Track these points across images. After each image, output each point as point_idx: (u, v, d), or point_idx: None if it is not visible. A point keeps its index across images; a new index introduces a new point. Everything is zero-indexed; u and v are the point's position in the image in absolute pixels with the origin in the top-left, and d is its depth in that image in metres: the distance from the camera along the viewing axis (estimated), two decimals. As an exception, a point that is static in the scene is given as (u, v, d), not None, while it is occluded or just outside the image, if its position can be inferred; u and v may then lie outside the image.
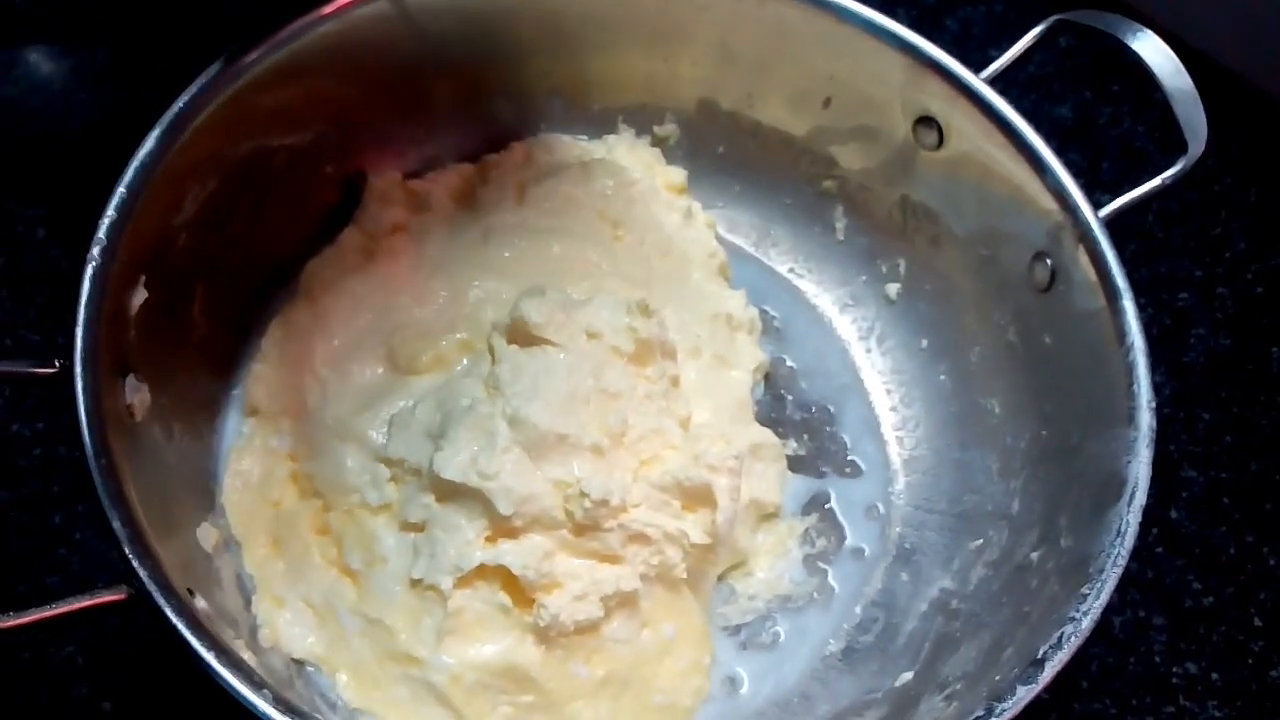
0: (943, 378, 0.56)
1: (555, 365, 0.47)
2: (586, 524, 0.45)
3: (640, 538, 0.46)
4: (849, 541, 0.53)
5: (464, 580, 0.44)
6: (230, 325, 0.52)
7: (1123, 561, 0.40)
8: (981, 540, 0.50)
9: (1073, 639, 0.38)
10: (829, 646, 0.50)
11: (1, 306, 0.56)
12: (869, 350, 0.58)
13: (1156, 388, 0.60)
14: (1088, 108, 0.70)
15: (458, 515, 0.45)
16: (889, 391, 0.57)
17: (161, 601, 0.35)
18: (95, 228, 0.43)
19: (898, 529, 0.53)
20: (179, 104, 0.46)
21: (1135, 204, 0.49)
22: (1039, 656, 0.38)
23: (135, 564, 0.35)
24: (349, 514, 0.47)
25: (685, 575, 0.47)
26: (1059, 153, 0.67)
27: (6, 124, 0.61)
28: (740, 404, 0.55)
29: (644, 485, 0.47)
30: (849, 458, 0.55)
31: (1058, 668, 0.38)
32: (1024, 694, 0.37)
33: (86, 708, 0.47)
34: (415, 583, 0.44)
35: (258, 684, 0.34)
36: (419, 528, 0.45)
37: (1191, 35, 0.70)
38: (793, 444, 0.55)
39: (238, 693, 0.34)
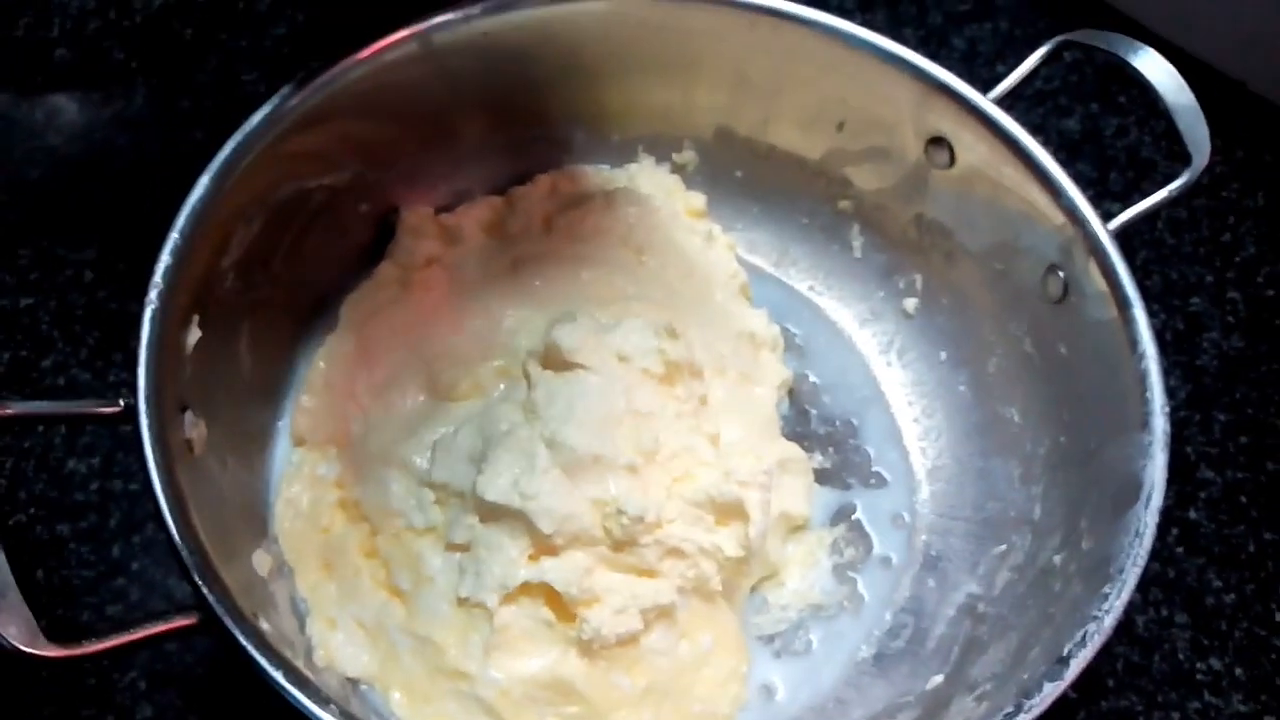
0: (962, 388, 0.58)
1: (588, 388, 0.49)
2: (625, 540, 0.46)
3: (676, 552, 0.47)
4: (876, 550, 0.55)
5: (509, 597, 0.46)
6: (275, 359, 0.54)
7: (1142, 561, 0.41)
8: (1005, 545, 0.52)
9: (1096, 636, 0.40)
10: (861, 652, 0.52)
11: (53, 347, 0.58)
12: (889, 364, 0.60)
13: (1171, 391, 0.62)
14: (1094, 119, 0.72)
15: (501, 535, 0.47)
16: (910, 403, 0.59)
17: (230, 625, 0.37)
18: (150, 271, 0.45)
19: (924, 537, 0.55)
20: (225, 151, 0.48)
21: (1143, 216, 0.51)
22: (1065, 654, 0.39)
23: (205, 590, 0.37)
24: (396, 537, 0.49)
25: (720, 587, 0.49)
26: (1067, 164, 0.69)
27: (52, 171, 0.64)
28: (767, 420, 0.57)
29: (678, 501, 0.48)
30: (874, 469, 0.57)
31: (1083, 664, 0.39)
32: (1051, 690, 0.39)
33: (151, 730, 0.49)
34: (462, 601, 0.46)
35: (324, 700, 0.36)
36: (464, 548, 0.47)
37: (1194, 46, 0.71)
38: (818, 457, 0.57)
39: (305, 708, 0.36)
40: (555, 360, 0.50)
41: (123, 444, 0.56)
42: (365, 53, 0.52)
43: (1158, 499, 0.43)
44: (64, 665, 0.35)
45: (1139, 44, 0.51)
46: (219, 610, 0.37)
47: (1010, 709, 0.38)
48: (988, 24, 0.75)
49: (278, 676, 0.36)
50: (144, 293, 0.45)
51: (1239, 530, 0.58)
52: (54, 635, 0.42)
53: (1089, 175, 0.69)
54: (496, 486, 0.46)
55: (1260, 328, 0.64)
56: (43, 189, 0.64)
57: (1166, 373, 0.61)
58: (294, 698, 0.36)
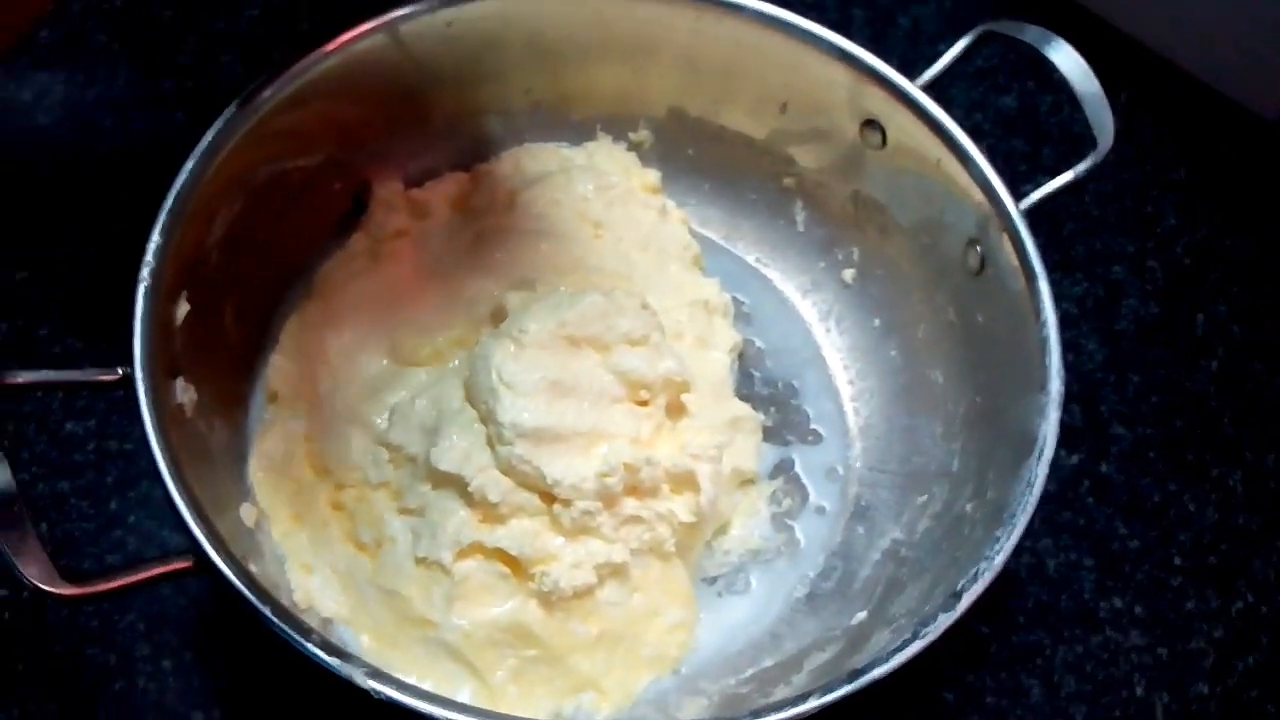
0: (893, 353, 0.62)
1: (536, 363, 0.52)
2: (577, 529, 0.51)
3: (634, 519, 0.52)
4: (812, 500, 0.59)
5: (463, 553, 0.50)
6: (256, 327, 0.58)
7: (1031, 507, 0.46)
8: (927, 496, 0.57)
9: (986, 574, 0.45)
10: (796, 592, 0.57)
11: (51, 318, 0.62)
12: (828, 330, 0.65)
13: (1090, 354, 0.67)
14: (1031, 96, 0.76)
15: (452, 500, 0.51)
16: (846, 367, 0.63)
17: (222, 565, 0.42)
18: (139, 249, 0.49)
19: (854, 488, 0.60)
20: (206, 137, 0.52)
21: (1052, 195, 0.55)
22: (958, 590, 0.45)
23: (199, 536, 0.42)
24: (358, 493, 0.53)
25: (674, 549, 0.53)
26: (1004, 139, 0.74)
27: (40, 152, 0.68)
28: (720, 381, 0.61)
29: (635, 474, 0.52)
30: (811, 426, 0.62)
31: (973, 598, 0.44)
32: (944, 620, 0.44)
33: (149, 665, 0.54)
34: (420, 560, 0.51)
35: (306, 630, 0.41)
36: (418, 512, 0.52)
37: (1128, 26, 0.76)
38: (761, 415, 0.61)
39: (291, 638, 0.41)
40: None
41: (117, 408, 0.60)
42: (335, 43, 0.56)
43: (1049, 453, 0.48)
44: (77, 602, 0.40)
45: (1052, 35, 0.56)
46: (212, 553, 0.42)
47: (908, 636, 0.43)
48: (931, 4, 0.79)
49: (264, 610, 0.41)
50: (134, 269, 0.49)
51: (1145, 482, 0.63)
52: (65, 580, 0.47)
53: (1023, 150, 0.74)
54: (449, 458, 0.50)
55: (1176, 295, 0.69)
56: (34, 166, 0.67)
57: (1086, 337, 0.67)
58: (278, 627, 0.41)
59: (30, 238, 0.64)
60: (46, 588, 0.39)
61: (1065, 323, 0.67)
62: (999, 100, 0.76)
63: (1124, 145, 0.73)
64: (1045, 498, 0.61)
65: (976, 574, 0.45)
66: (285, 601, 0.49)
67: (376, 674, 0.40)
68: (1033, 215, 0.56)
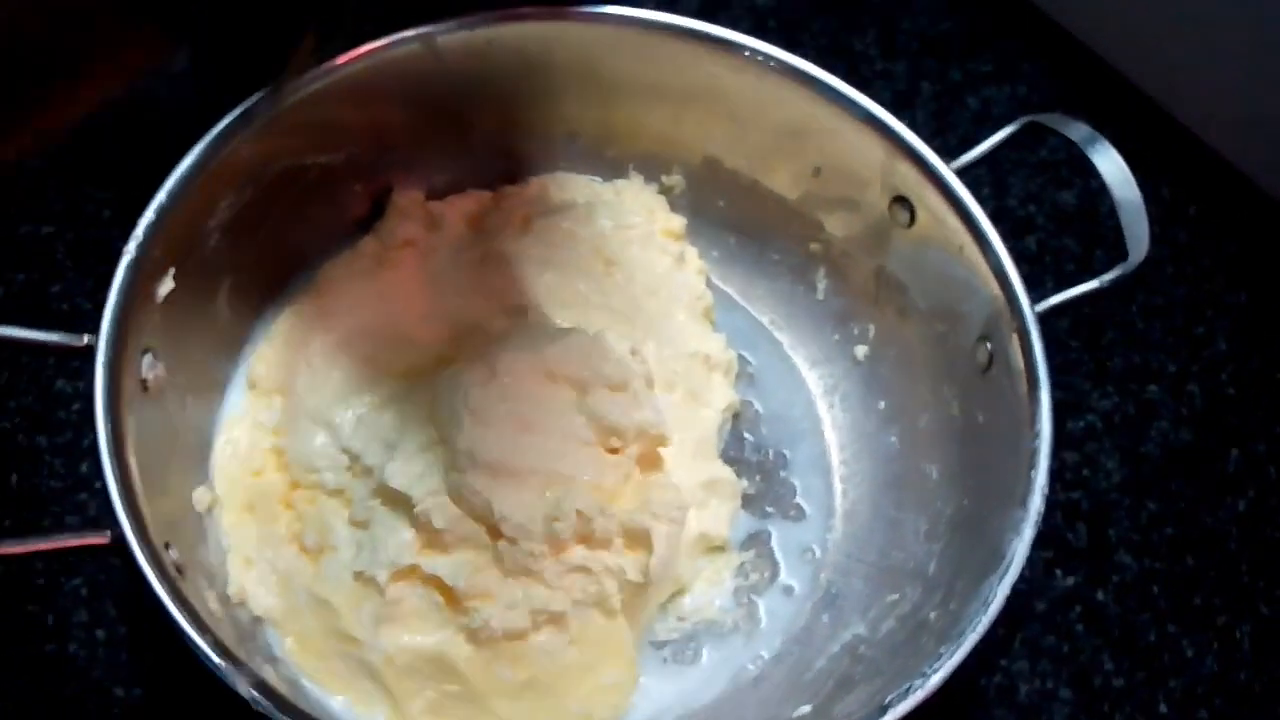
0: (892, 439, 0.60)
1: (505, 393, 0.51)
2: (519, 569, 0.49)
3: (580, 569, 0.50)
4: (781, 578, 0.57)
5: (400, 574, 0.49)
6: (252, 315, 0.58)
7: (983, 628, 0.43)
8: (898, 595, 0.54)
9: (918, 691, 0.42)
10: (746, 672, 0.54)
11: (65, 277, 0.63)
12: (831, 405, 0.62)
13: (1107, 473, 0.63)
14: (1091, 196, 0.72)
15: (398, 519, 0.50)
16: (842, 446, 0.61)
17: (134, 547, 0.41)
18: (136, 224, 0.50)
19: (827, 573, 0.57)
20: (220, 125, 0.52)
21: (1071, 302, 0.52)
22: (885, 703, 0.42)
23: (119, 514, 0.42)
24: (311, 496, 0.53)
25: (619, 606, 0.51)
26: (1056, 235, 0.71)
27: (89, 115, 0.69)
28: (705, 440, 0.59)
29: (587, 523, 0.50)
30: (795, 501, 0.59)
31: (898, 715, 0.41)
32: (864, 735, 0.41)
33: (83, 631, 0.53)
34: (358, 574, 0.50)
35: (202, 627, 0.40)
36: (364, 526, 0.51)
37: (1209, 136, 0.72)
38: (744, 482, 0.59)
39: (182, 630, 0.40)
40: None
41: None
42: (368, 47, 0.56)
43: (1014, 573, 0.45)
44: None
45: (1098, 135, 0.53)
46: (127, 532, 0.41)
47: (823, 745, 0.41)
48: (1005, 87, 0.76)
49: (162, 594, 0.40)
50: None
51: (1144, 618, 0.59)
52: (17, 533, 0.47)
53: (1074, 250, 0.70)
54: (402, 475, 0.50)
55: (1212, 425, 0.65)
56: (80, 127, 0.69)
57: (1107, 454, 0.64)
58: (173, 618, 0.40)
59: (63, 195, 0.66)
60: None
61: (1087, 436, 0.64)
62: (1057, 194, 0.73)
63: (1184, 259, 0.70)
64: (1030, 618, 0.58)
65: (909, 689, 0.42)
66: (217, 591, 0.49)
67: (261, 685, 0.39)
68: (1069, 319, 0.53)
